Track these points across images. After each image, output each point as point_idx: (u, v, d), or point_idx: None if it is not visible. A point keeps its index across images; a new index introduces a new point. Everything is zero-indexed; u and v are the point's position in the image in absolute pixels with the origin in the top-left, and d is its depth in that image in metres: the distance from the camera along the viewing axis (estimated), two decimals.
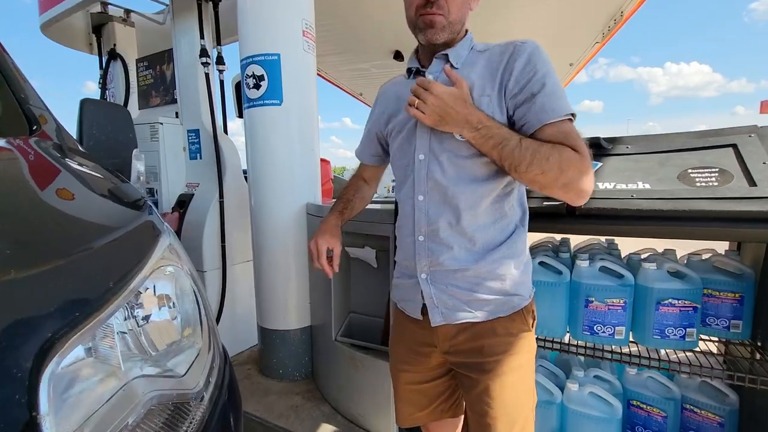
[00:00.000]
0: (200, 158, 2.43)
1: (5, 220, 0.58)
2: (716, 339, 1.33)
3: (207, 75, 2.30)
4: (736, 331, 1.21)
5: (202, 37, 2.27)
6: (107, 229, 0.63)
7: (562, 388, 1.39)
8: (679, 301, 1.17)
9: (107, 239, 0.60)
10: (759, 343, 1.28)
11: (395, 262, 1.02)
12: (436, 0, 0.82)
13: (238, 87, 2.44)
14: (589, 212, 1.11)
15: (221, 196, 2.27)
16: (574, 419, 1.34)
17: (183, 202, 2.38)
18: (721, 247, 1.37)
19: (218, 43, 2.40)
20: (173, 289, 0.70)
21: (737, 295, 1.20)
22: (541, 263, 1.34)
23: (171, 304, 0.69)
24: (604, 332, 1.25)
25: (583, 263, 1.28)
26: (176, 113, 2.50)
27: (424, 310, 0.94)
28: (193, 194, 2.39)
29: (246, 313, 2.49)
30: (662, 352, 1.28)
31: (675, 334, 1.19)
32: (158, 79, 2.63)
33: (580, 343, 1.34)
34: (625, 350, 1.29)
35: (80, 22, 3.02)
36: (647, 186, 1.09)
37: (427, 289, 0.90)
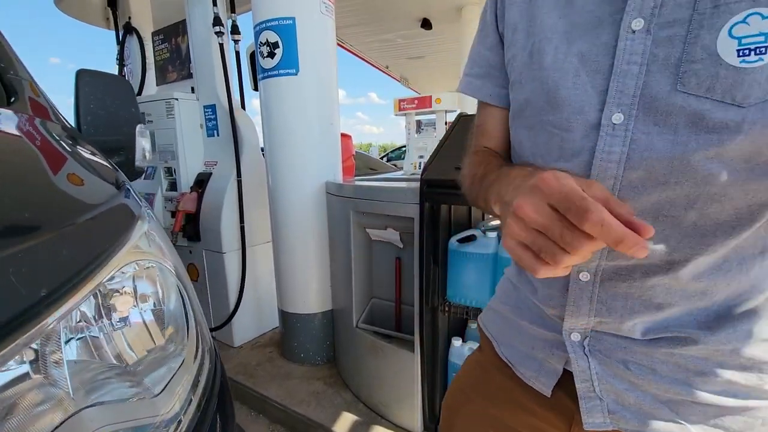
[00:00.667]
0: (217, 135, 2.33)
1: None
2: None
3: (222, 46, 2.16)
4: None
5: (215, 4, 2.12)
6: (65, 214, 0.52)
7: None
8: None
9: (60, 227, 0.48)
10: None
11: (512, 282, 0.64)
12: None
13: (252, 57, 2.30)
14: None
15: (239, 174, 2.18)
16: None
17: (201, 182, 2.30)
18: None
19: (233, 11, 2.25)
20: (153, 286, 0.59)
21: None
22: None
23: (152, 304, 0.59)
24: None
25: None
26: (192, 88, 2.39)
27: (564, 384, 0.54)
28: (211, 173, 2.31)
29: (268, 295, 2.43)
30: None
31: None
32: (174, 52, 2.52)
33: None
34: None
35: None
36: None
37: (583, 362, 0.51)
